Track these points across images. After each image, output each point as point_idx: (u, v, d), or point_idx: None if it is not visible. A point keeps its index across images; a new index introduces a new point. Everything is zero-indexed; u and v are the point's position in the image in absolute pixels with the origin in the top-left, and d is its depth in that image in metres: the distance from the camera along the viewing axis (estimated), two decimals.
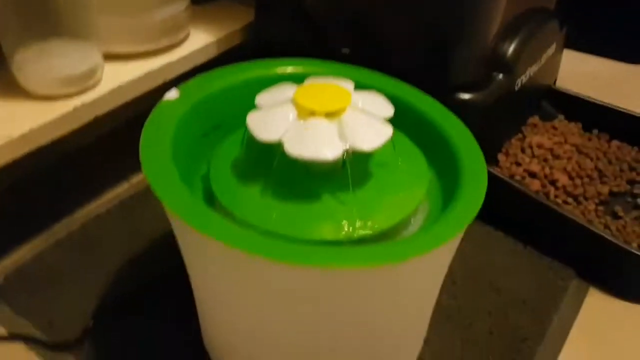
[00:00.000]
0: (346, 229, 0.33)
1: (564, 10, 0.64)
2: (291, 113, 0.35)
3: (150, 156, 0.35)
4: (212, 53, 0.58)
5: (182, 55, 0.55)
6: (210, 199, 0.37)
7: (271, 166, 0.36)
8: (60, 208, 0.54)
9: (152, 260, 0.50)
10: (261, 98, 0.38)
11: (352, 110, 0.36)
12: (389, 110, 0.37)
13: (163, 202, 0.32)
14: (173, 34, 0.54)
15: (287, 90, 0.37)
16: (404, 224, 0.35)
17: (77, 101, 0.47)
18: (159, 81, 0.53)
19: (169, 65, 0.54)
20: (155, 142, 0.36)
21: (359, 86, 0.40)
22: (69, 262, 0.49)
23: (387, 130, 0.35)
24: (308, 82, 0.39)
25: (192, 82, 0.41)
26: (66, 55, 0.47)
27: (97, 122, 0.49)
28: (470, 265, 0.52)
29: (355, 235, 0.33)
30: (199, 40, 0.57)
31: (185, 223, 0.30)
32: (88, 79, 0.48)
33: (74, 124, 0.46)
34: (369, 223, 0.34)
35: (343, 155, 0.34)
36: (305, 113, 0.35)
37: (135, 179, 0.59)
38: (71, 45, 0.47)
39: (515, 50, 0.53)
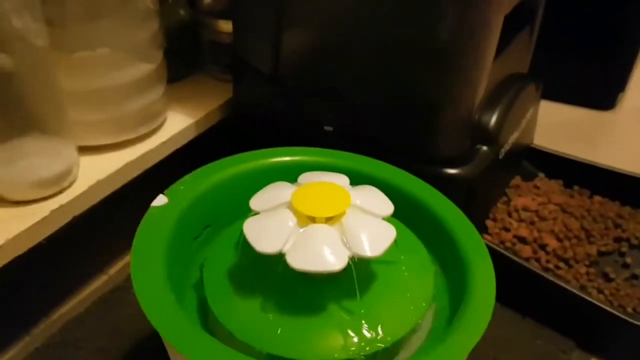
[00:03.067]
0: (356, 344, 0.32)
1: (534, 63, 0.65)
2: (290, 220, 0.34)
3: (144, 277, 0.33)
4: (192, 135, 0.56)
5: (161, 142, 0.53)
6: (203, 309, 0.36)
7: (270, 274, 0.34)
8: (35, 310, 0.50)
9: None
10: (256, 202, 0.36)
11: (352, 212, 0.34)
12: (388, 207, 0.36)
13: (157, 329, 0.30)
14: (151, 121, 0.53)
15: (282, 192, 0.36)
16: (413, 329, 0.34)
17: (53, 204, 0.44)
18: (138, 171, 0.51)
19: (148, 154, 0.52)
20: (148, 256, 0.34)
21: (349, 174, 0.39)
22: None
23: (390, 232, 0.34)
24: (302, 180, 0.38)
25: (179, 185, 0.39)
26: (39, 155, 0.44)
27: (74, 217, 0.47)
28: None
29: (366, 350, 0.31)
30: (178, 124, 0.55)
31: (183, 354, 0.28)
32: (64, 179, 0.45)
33: (52, 229, 0.44)
34: (380, 334, 0.32)
35: (348, 262, 0.32)
36: (304, 220, 0.34)
37: (113, 270, 0.56)
38: (44, 143, 0.45)
39: (497, 120, 0.53)
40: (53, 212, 0.44)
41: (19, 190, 0.44)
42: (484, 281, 0.35)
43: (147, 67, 0.50)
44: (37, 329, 0.50)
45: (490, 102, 0.53)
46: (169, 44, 0.55)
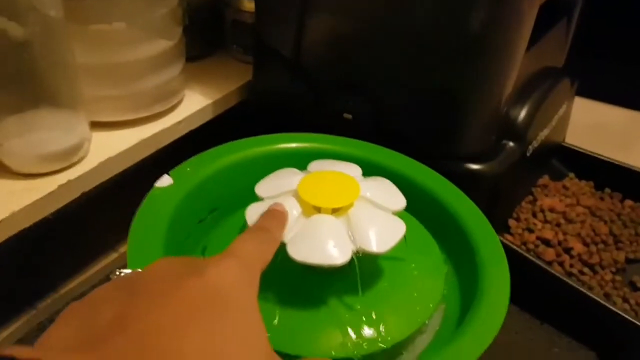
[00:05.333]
0: (355, 342, 0.30)
1: (570, 59, 0.62)
2: (294, 209, 0.32)
3: (139, 258, 0.31)
4: (208, 116, 0.55)
5: (176, 121, 0.52)
6: None
7: (272, 263, 0.33)
8: (43, 285, 0.50)
9: None
10: (261, 188, 0.35)
11: (360, 204, 0.33)
12: (400, 202, 0.34)
13: None
14: (167, 100, 0.51)
15: (289, 179, 0.34)
16: (418, 330, 0.32)
17: (62, 178, 0.43)
18: (151, 150, 0.50)
19: (163, 133, 0.51)
20: (147, 236, 0.33)
21: (363, 164, 0.37)
22: None
23: (399, 227, 0.32)
24: (312, 168, 0.36)
25: (185, 166, 0.38)
26: (50, 128, 0.44)
27: (83, 193, 0.46)
28: None
29: (365, 349, 0.30)
30: (195, 103, 0.54)
31: None
32: (74, 154, 0.45)
33: (59, 204, 0.43)
34: (381, 334, 0.30)
35: (352, 256, 0.31)
36: (310, 210, 0.32)
37: (124, 248, 0.56)
38: (55, 117, 0.44)
39: (526, 116, 0.51)
40: (61, 187, 0.43)
41: (28, 163, 0.43)
42: (497, 285, 0.33)
43: (164, 43, 0.49)
44: (43, 303, 0.49)
45: (520, 96, 0.51)
46: (192, 22, 0.54)
